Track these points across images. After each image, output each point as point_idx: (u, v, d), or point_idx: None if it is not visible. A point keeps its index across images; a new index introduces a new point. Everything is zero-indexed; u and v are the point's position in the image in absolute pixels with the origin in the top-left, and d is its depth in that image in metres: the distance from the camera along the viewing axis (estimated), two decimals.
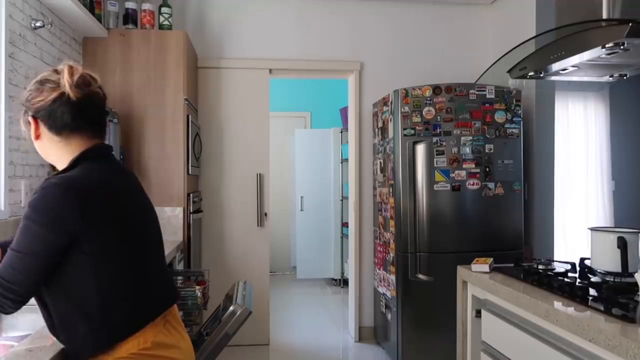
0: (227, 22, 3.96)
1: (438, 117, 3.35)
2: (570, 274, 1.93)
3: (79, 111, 1.27)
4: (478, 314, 2.13)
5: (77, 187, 1.19)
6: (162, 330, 1.30)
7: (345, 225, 5.78)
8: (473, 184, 3.35)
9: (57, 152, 1.29)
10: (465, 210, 3.36)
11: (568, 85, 4.65)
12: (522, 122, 3.44)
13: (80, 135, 1.29)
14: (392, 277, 3.48)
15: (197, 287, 2.61)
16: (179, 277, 2.88)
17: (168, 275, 1.46)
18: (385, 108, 3.65)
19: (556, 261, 2.14)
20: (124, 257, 1.25)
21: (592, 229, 1.87)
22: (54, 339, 1.22)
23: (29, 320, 1.60)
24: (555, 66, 2.09)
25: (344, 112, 5.73)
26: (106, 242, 1.21)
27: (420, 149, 3.35)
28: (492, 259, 2.20)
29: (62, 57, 2.81)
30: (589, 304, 1.54)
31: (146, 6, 3.28)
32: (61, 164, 1.29)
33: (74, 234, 1.16)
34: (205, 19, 3.93)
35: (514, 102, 3.42)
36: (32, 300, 1.60)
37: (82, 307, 1.19)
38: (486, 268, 2.14)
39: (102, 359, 1.22)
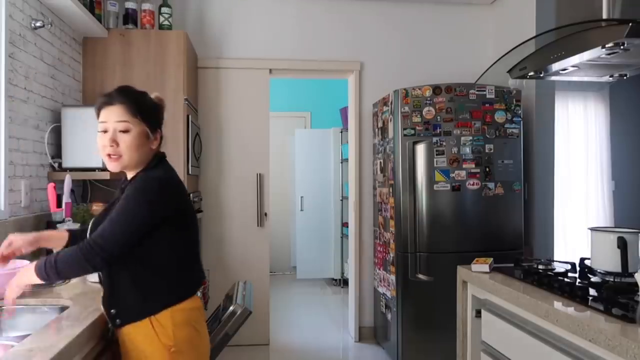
0: (227, 22, 3.96)
1: (438, 117, 3.35)
2: (570, 274, 1.93)
3: None
4: (478, 314, 2.13)
5: (170, 181, 1.60)
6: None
7: (345, 225, 5.78)
8: (473, 184, 3.35)
9: (150, 155, 1.63)
10: (465, 210, 3.36)
11: (568, 85, 4.65)
12: (522, 122, 3.44)
13: None
14: (392, 277, 3.48)
15: None
16: None
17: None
18: (385, 108, 3.65)
19: (556, 261, 2.14)
20: (187, 237, 1.61)
21: (592, 229, 1.87)
22: (54, 338, 1.22)
23: (29, 320, 1.60)
24: (555, 66, 2.09)
25: (344, 112, 5.73)
26: (181, 223, 1.57)
27: (420, 149, 3.35)
28: (492, 259, 2.20)
29: (62, 57, 2.81)
30: (589, 304, 1.54)
31: (146, 6, 3.28)
32: (143, 164, 1.61)
33: (164, 216, 1.50)
34: (205, 19, 3.93)
35: (514, 102, 3.42)
36: (33, 301, 1.61)
37: (165, 269, 1.54)
38: (486, 268, 2.14)
39: (174, 309, 1.51)
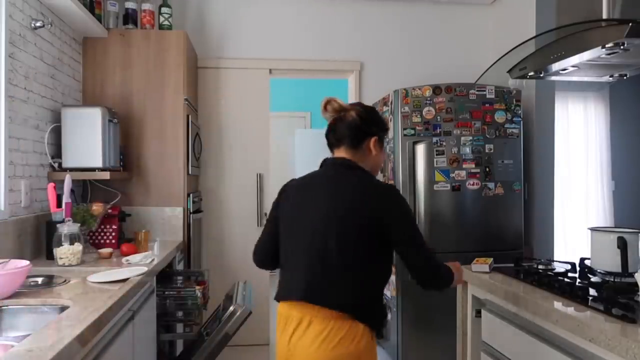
0: (227, 22, 3.96)
1: (438, 117, 3.35)
2: (570, 274, 1.93)
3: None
4: (478, 314, 2.13)
5: None
6: None
7: None
8: (473, 184, 3.35)
9: None
10: (465, 210, 3.35)
11: (568, 85, 4.65)
12: (522, 122, 3.44)
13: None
14: (392, 277, 3.48)
15: (197, 287, 2.61)
16: (179, 277, 2.88)
17: None
18: (385, 108, 3.64)
19: (556, 261, 2.14)
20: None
21: (592, 229, 1.87)
22: (54, 338, 1.22)
23: (29, 320, 1.60)
24: (555, 66, 2.09)
25: None
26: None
27: (420, 149, 3.35)
28: (492, 259, 2.20)
29: (62, 57, 2.81)
30: (589, 304, 1.54)
31: (146, 6, 3.28)
32: None
33: None
34: (205, 19, 3.93)
35: (514, 102, 3.42)
36: (32, 301, 1.61)
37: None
38: (486, 268, 2.14)
39: None
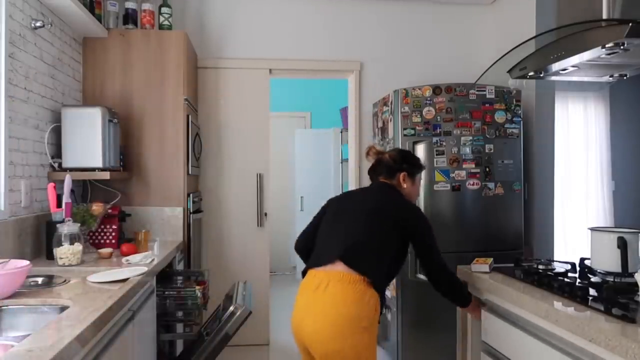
0: (227, 22, 3.97)
1: (438, 117, 3.35)
2: (570, 274, 1.93)
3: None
4: None
5: None
6: None
7: None
8: (473, 184, 3.35)
9: None
10: (465, 210, 3.36)
11: (568, 85, 4.65)
12: (522, 122, 3.44)
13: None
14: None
15: (197, 287, 2.61)
16: (179, 277, 2.88)
17: None
18: (385, 108, 3.65)
19: (556, 261, 2.14)
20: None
21: (592, 229, 1.87)
22: (54, 338, 1.22)
23: (29, 320, 1.60)
24: (555, 66, 2.09)
25: (344, 112, 5.73)
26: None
27: (420, 149, 3.35)
28: (492, 259, 2.21)
29: (62, 57, 2.81)
30: (589, 304, 1.54)
31: (146, 6, 3.28)
32: None
33: None
34: (205, 19, 3.93)
35: (514, 102, 3.42)
36: (32, 301, 1.61)
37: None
38: (486, 268, 2.14)
39: None
